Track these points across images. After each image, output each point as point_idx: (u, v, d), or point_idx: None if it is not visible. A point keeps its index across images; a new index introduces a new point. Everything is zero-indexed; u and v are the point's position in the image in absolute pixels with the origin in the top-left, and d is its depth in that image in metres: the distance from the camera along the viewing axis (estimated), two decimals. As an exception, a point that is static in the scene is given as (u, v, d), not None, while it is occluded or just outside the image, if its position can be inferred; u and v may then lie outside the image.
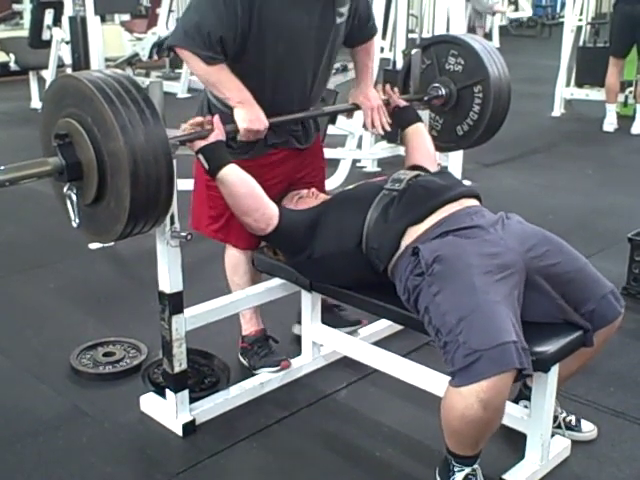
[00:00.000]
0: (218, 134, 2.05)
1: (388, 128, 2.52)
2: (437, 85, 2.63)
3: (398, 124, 2.56)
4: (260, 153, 2.30)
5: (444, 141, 2.74)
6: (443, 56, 2.63)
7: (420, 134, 2.52)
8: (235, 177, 2.09)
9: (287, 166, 2.38)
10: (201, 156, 2.05)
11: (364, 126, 2.58)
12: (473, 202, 2.10)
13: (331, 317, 2.65)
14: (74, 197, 1.84)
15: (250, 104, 2.14)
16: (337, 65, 4.13)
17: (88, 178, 1.79)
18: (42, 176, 1.82)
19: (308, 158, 2.47)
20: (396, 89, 2.57)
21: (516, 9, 12.62)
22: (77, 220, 1.86)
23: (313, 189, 2.39)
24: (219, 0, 2.05)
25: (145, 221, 1.83)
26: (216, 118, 2.08)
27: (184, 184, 2.28)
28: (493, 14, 11.30)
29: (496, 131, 2.69)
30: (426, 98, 2.64)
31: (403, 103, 2.54)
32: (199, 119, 2.07)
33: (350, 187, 2.32)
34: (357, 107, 2.46)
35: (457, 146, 2.83)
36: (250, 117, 2.13)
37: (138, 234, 1.88)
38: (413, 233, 1.99)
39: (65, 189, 1.84)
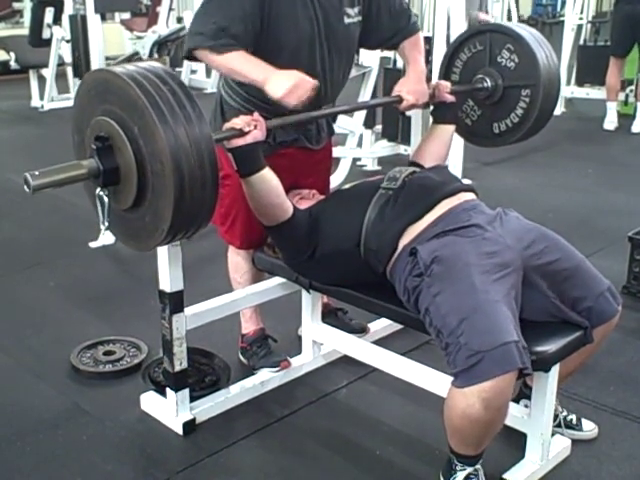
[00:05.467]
0: (257, 134, 1.93)
1: None
2: (483, 76, 2.48)
3: (435, 117, 2.45)
4: (268, 152, 2.27)
5: (476, 135, 2.60)
6: (498, 47, 2.45)
7: (446, 137, 2.42)
8: (262, 186, 2.01)
9: (294, 171, 2.34)
10: (231, 156, 1.96)
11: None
12: (471, 196, 2.09)
13: (335, 322, 2.65)
14: (106, 200, 1.74)
15: (275, 73, 2.02)
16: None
17: (125, 186, 1.69)
18: (77, 181, 1.72)
19: (316, 164, 2.46)
20: (448, 84, 2.41)
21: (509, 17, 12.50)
22: (106, 223, 1.77)
23: (314, 190, 2.38)
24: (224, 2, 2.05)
25: (180, 237, 1.76)
26: (257, 116, 1.96)
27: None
28: (479, 23, 11.31)
29: (533, 135, 2.56)
30: (468, 88, 2.49)
31: (450, 99, 2.39)
32: (244, 119, 1.94)
33: (347, 186, 2.28)
34: (400, 100, 2.33)
35: (490, 143, 2.61)
36: (285, 85, 1.99)
37: None
38: (411, 233, 1.98)
39: (97, 190, 1.74)
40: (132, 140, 1.63)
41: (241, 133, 1.92)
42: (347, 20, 2.24)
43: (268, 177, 2.02)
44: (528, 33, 2.44)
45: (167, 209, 1.62)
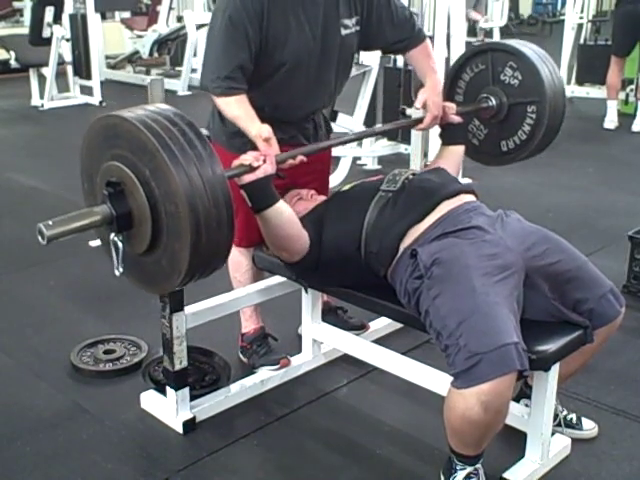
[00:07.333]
0: (267, 168, 1.91)
1: None
2: (487, 95, 2.46)
3: (443, 139, 2.43)
4: None
5: (484, 154, 2.58)
6: (500, 65, 2.44)
7: (456, 158, 2.41)
8: (277, 221, 1.99)
9: (292, 169, 2.35)
10: (244, 193, 1.94)
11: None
12: (471, 197, 2.08)
13: (334, 320, 2.65)
14: (120, 245, 1.72)
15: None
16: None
17: (139, 230, 1.68)
18: (91, 228, 1.70)
19: (315, 162, 2.45)
20: (453, 105, 2.39)
21: (515, 15, 12.35)
22: (121, 269, 1.75)
23: (313, 191, 2.37)
24: (229, 27, 2.09)
25: (197, 278, 1.73)
26: (266, 150, 1.98)
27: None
28: (467, 21, 11.33)
29: (542, 151, 2.53)
30: (473, 108, 2.46)
31: (457, 120, 2.37)
32: (252, 154, 1.93)
33: (346, 188, 2.27)
34: (419, 122, 2.34)
35: (498, 161, 2.59)
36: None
37: None
38: (412, 235, 1.97)
39: (112, 236, 1.72)
40: (144, 183, 1.62)
41: (251, 169, 1.90)
42: (344, 32, 2.25)
43: (283, 209, 2.00)
44: (530, 50, 2.43)
45: (184, 251, 1.60)
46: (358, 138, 2.11)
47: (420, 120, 2.34)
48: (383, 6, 2.29)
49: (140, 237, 1.69)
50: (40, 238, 1.62)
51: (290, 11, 2.14)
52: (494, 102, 2.45)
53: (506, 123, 2.47)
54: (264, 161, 1.91)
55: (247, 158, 1.91)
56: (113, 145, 1.68)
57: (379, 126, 2.15)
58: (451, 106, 2.37)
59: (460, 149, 2.43)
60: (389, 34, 2.35)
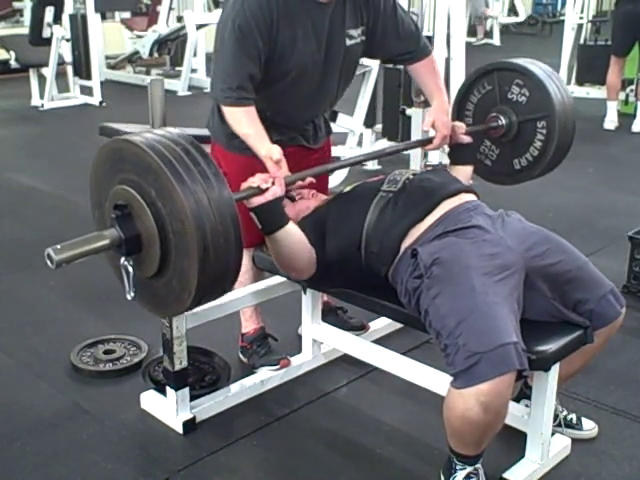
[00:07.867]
0: (276, 191, 1.89)
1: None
2: (496, 115, 2.46)
3: (452, 159, 2.41)
4: None
5: (498, 173, 2.56)
6: (506, 84, 2.44)
7: (466, 177, 2.37)
8: (286, 241, 1.98)
9: (292, 170, 2.35)
10: (253, 215, 1.92)
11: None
12: (471, 197, 2.08)
13: (334, 320, 2.65)
14: (130, 269, 1.73)
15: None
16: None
17: (148, 252, 1.69)
18: (100, 251, 1.71)
19: (315, 163, 2.45)
20: (463, 125, 2.38)
21: (515, 13, 12.42)
22: (132, 293, 1.76)
23: (314, 190, 2.37)
24: (239, 38, 2.07)
25: (208, 299, 1.74)
26: (274, 172, 1.96)
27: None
28: (485, 19, 11.44)
29: (555, 166, 2.51)
30: (483, 127, 2.47)
31: (466, 140, 2.35)
32: (260, 176, 1.91)
33: (347, 189, 2.26)
34: (428, 142, 2.33)
35: (512, 180, 2.57)
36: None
37: None
38: (413, 234, 1.97)
39: (122, 260, 1.73)
40: (150, 204, 1.63)
41: (260, 191, 1.89)
42: (349, 42, 2.24)
43: (293, 230, 2.00)
44: (535, 66, 2.43)
45: (192, 269, 1.61)
46: (367, 159, 2.08)
47: (429, 140, 2.32)
48: (389, 17, 2.29)
49: (149, 259, 1.69)
50: (49, 262, 1.62)
51: (298, 21, 2.13)
52: (503, 121, 2.45)
53: (517, 141, 2.47)
54: (273, 183, 1.90)
55: (255, 180, 1.90)
56: (120, 169, 1.70)
57: (389, 146, 2.15)
58: (460, 125, 2.36)
59: (468, 169, 2.40)
60: (393, 46, 2.34)
